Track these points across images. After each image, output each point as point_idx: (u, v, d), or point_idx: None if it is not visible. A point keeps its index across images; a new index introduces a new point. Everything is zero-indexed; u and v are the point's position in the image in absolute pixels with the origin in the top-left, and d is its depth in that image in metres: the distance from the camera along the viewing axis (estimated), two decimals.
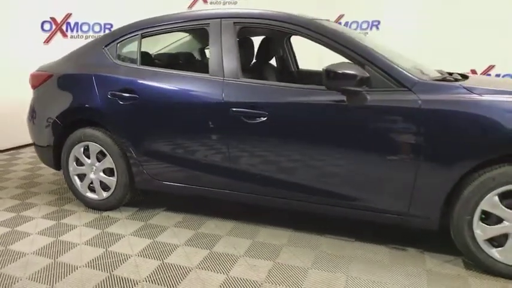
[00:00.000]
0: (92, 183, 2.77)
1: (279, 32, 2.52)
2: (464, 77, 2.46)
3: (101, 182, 2.74)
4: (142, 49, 2.95)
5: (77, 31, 5.12)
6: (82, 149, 2.73)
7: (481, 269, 1.99)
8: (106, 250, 2.25)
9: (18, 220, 2.65)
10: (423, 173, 1.95)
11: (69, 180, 2.84)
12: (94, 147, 2.68)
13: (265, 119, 2.17)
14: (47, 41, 4.87)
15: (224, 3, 6.42)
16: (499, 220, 1.90)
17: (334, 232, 2.41)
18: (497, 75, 5.21)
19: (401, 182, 2.00)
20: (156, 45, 3.99)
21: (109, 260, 2.14)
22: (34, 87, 2.91)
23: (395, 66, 2.01)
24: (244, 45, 2.63)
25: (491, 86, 2.03)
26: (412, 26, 5.71)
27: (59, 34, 4.96)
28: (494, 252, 1.94)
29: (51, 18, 4.88)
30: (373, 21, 6.11)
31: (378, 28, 6.09)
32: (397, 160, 1.99)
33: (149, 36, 2.64)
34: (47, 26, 4.87)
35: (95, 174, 2.74)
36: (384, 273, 1.99)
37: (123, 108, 2.52)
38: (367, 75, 1.95)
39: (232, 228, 2.51)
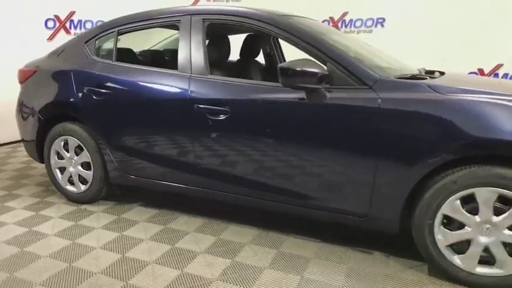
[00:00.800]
0: (71, 176, 2.83)
1: (246, 28, 2.47)
2: (443, 74, 2.36)
3: (79, 175, 2.80)
4: (128, 45, 3.01)
5: (80, 28, 5.23)
6: (62, 143, 2.80)
7: (444, 276, 1.91)
8: (73, 242, 2.30)
9: (1, 211, 2.75)
10: (382, 174, 1.88)
11: (51, 173, 2.92)
12: (72, 142, 2.74)
13: (227, 116, 2.16)
14: (51, 38, 5.00)
15: (227, 1, 6.44)
16: (461, 225, 1.81)
17: (302, 232, 2.37)
18: (506, 75, 4.99)
19: (360, 183, 1.94)
20: (149, 41, 4.05)
21: (72, 251, 2.18)
22: (21, 82, 3.01)
23: (357, 64, 1.95)
24: (217, 42, 2.61)
25: (461, 84, 1.93)
26: (418, 24, 5.54)
27: (62, 31, 5.09)
28: (456, 259, 1.85)
29: (54, 15, 5.02)
30: (377, 19, 5.98)
31: (382, 26, 5.96)
32: (356, 160, 1.92)
33: (125, 33, 2.66)
34: (50, 24, 5.01)
35: (74, 168, 2.80)
36: (339, 276, 1.93)
37: (97, 103, 2.56)
38: (325, 72, 1.90)
39: (201, 224, 2.51)
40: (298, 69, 1.87)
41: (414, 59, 5.53)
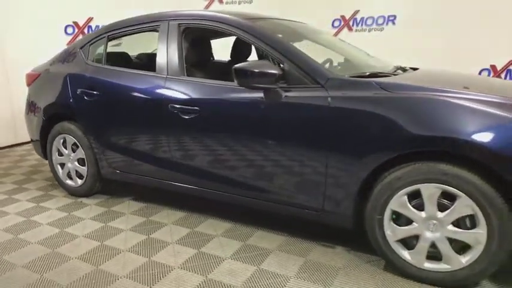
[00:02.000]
0: (70, 171, 3.08)
1: (219, 32, 2.53)
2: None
3: (76, 170, 3.04)
4: (122, 50, 3.23)
5: None
6: (61, 141, 3.05)
7: (395, 270, 1.94)
8: (62, 230, 2.52)
9: (6, 201, 3.04)
10: (333, 170, 1.94)
11: (53, 168, 3.19)
12: (69, 139, 2.99)
13: (197, 115, 2.29)
14: (70, 43, 5.37)
15: (239, 3, 6.59)
16: (409, 221, 1.84)
17: (271, 226, 2.46)
18: None
19: (315, 178, 2.00)
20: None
21: (58, 239, 2.40)
22: (28, 85, 3.30)
23: (311, 64, 2.02)
24: (197, 45, 2.75)
25: (415, 82, 1.95)
26: (429, 20, 5.42)
27: (81, 37, 5.44)
28: (406, 254, 1.87)
29: (73, 22, 5.39)
30: (389, 16, 5.90)
31: (394, 23, 5.88)
32: (310, 157, 1.99)
33: (114, 38, 2.88)
34: (70, 30, 5.39)
35: (71, 164, 3.05)
36: (293, 268, 2.01)
37: (88, 104, 2.78)
38: (279, 72, 1.98)
39: (181, 217, 2.66)
40: (251, 70, 1.97)
41: (425, 56, 5.46)
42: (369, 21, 6.07)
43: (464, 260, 1.74)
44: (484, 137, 1.60)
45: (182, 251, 2.22)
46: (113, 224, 2.60)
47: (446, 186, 1.70)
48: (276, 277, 1.95)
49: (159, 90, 2.45)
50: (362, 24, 6.14)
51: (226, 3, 6.56)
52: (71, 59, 3.02)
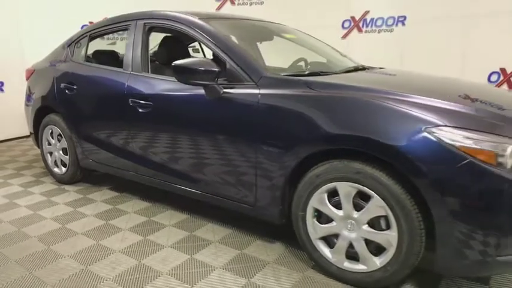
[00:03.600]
0: (56, 160, 3.33)
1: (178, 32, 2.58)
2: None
3: (61, 159, 3.28)
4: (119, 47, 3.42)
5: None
6: (50, 132, 3.30)
7: (319, 268, 1.94)
8: (34, 213, 2.74)
9: (0, 185, 3.34)
10: (261, 166, 1.97)
11: (44, 157, 3.45)
12: (55, 130, 3.23)
13: (150, 109, 2.41)
14: None
15: (251, 4, 6.68)
16: (330, 219, 1.84)
17: (222, 219, 2.53)
18: None
19: (247, 173, 2.05)
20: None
21: (27, 220, 2.62)
22: (27, 80, 3.59)
23: (248, 62, 2.07)
24: (168, 44, 2.88)
25: (354, 82, 1.94)
26: (439, 22, 5.24)
27: None
28: (328, 253, 1.88)
29: (89, 22, 5.73)
30: (399, 17, 5.75)
31: (404, 24, 5.72)
32: (243, 153, 2.03)
33: (95, 37, 3.07)
34: None
35: (57, 153, 3.29)
36: (223, 259, 2.07)
37: (68, 97, 3.00)
38: (217, 69, 2.04)
39: (146, 207, 2.79)
40: (189, 67, 2.05)
41: (434, 58, 5.28)
42: (379, 22, 5.95)
43: (379, 261, 1.72)
44: (394, 139, 1.57)
45: (131, 238, 2.35)
46: (81, 209, 2.79)
47: (360, 186, 1.69)
48: (204, 266, 2.01)
49: (122, 86, 2.59)
50: (372, 25, 6.03)
51: (238, 4, 6.68)
52: (58, 56, 3.26)
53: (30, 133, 3.66)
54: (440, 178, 1.50)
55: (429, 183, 1.51)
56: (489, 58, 4.76)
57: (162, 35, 3.00)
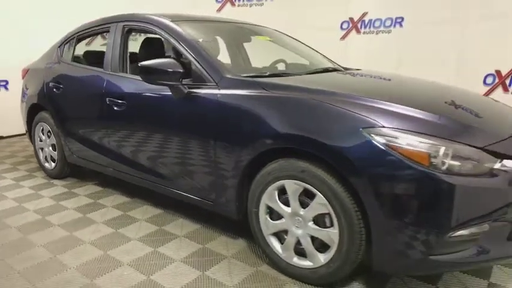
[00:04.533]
0: (46, 156, 3.48)
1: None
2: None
3: (50, 155, 3.43)
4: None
5: None
6: (41, 128, 3.46)
7: (272, 264, 2.00)
8: (19, 205, 2.88)
9: None
10: (218, 163, 2.05)
11: (36, 152, 3.61)
12: (45, 127, 3.38)
13: (124, 108, 2.52)
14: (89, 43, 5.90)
15: (251, 6, 6.76)
16: (280, 216, 1.89)
17: (196, 216, 2.61)
18: None
19: (207, 170, 2.13)
20: None
21: (11, 211, 2.76)
22: (22, 79, 3.76)
23: (211, 63, 2.15)
24: (148, 44, 2.97)
25: (309, 83, 1.99)
26: (436, 23, 5.20)
27: None
28: (279, 248, 1.93)
29: None
30: (396, 18, 5.73)
31: (401, 25, 5.71)
32: (204, 151, 2.11)
33: (82, 38, 3.21)
34: None
35: (47, 149, 3.44)
36: (184, 252, 2.16)
37: (56, 96, 3.14)
38: (181, 70, 2.12)
39: (124, 202, 2.90)
40: (154, 67, 2.13)
41: (431, 59, 5.25)
42: (377, 23, 5.94)
43: (323, 258, 1.77)
44: (333, 138, 1.62)
45: (103, 230, 2.46)
46: (63, 202, 2.92)
47: (305, 184, 1.74)
48: (164, 259, 2.10)
49: (101, 85, 2.71)
50: (370, 27, 6.02)
51: (238, 5, 6.77)
52: (50, 57, 3.41)
53: (26, 130, 3.83)
54: (374, 177, 1.54)
55: (364, 182, 1.56)
56: (484, 60, 4.70)
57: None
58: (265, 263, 2.05)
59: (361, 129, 1.58)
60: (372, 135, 1.55)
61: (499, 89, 4.61)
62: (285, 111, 1.80)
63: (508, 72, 4.50)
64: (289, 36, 3.39)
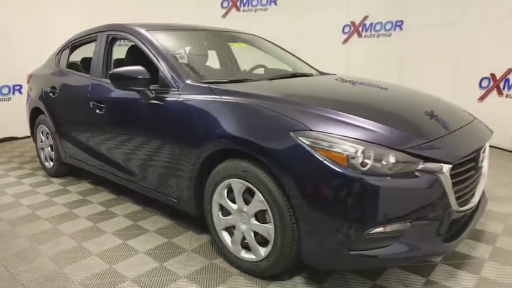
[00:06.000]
0: (46, 155, 3.76)
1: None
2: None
3: (49, 155, 3.70)
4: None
5: None
6: (42, 130, 3.75)
7: (226, 258, 2.14)
8: (16, 201, 3.16)
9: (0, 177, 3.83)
10: (180, 163, 2.21)
11: (38, 152, 3.91)
12: (44, 128, 3.66)
13: (103, 111, 2.73)
14: None
15: (256, 11, 6.91)
16: (229, 212, 2.04)
17: (172, 213, 2.79)
18: None
19: (171, 169, 2.30)
20: None
21: (6, 206, 3.03)
22: (27, 83, 4.07)
23: (175, 70, 2.33)
24: (132, 52, 3.19)
25: (257, 89, 2.13)
26: (434, 26, 5.22)
27: None
28: (229, 243, 2.07)
29: None
30: (396, 22, 5.78)
31: (401, 28, 5.74)
32: (169, 152, 2.27)
33: (76, 46, 3.47)
34: None
35: (47, 149, 3.72)
36: (150, 245, 2.34)
37: (52, 100, 3.41)
38: (148, 77, 2.30)
39: (110, 199, 3.12)
40: (123, 74, 2.32)
41: (429, 62, 5.25)
42: (378, 27, 5.97)
43: (263, 251, 1.90)
44: (266, 140, 1.76)
45: (77, 223, 2.68)
46: (55, 199, 3.17)
47: (247, 183, 1.88)
48: (129, 250, 2.29)
49: (87, 90, 2.94)
50: (371, 30, 6.06)
51: (243, 11, 6.94)
52: (49, 63, 3.70)
53: (30, 131, 4.14)
54: (300, 177, 1.67)
55: (291, 181, 1.68)
56: (480, 63, 4.66)
57: None
58: (220, 256, 2.20)
59: (291, 132, 1.70)
60: (300, 137, 1.68)
61: (494, 93, 4.56)
62: (230, 115, 1.95)
63: (502, 76, 4.44)
64: (271, 43, 3.53)
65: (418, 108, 2.15)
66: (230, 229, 2.08)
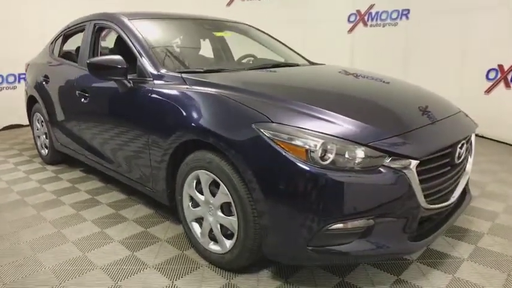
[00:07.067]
0: (41, 143, 3.83)
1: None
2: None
3: (44, 143, 3.77)
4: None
5: None
6: (37, 118, 3.81)
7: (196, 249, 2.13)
8: (8, 187, 3.23)
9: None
10: (153, 153, 2.20)
11: (34, 140, 3.98)
12: (39, 117, 3.72)
13: (88, 100, 2.74)
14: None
15: (260, 0, 6.80)
16: (198, 204, 2.02)
17: (155, 203, 2.80)
18: None
19: (145, 159, 2.29)
20: None
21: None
22: (25, 72, 4.14)
23: (151, 59, 2.30)
24: (120, 42, 3.18)
25: (224, 80, 2.08)
26: (441, 15, 5.03)
27: None
28: (199, 234, 2.06)
29: None
30: (402, 10, 5.58)
31: (407, 17, 5.55)
32: (143, 141, 2.26)
33: (68, 36, 3.49)
34: None
35: (42, 136, 3.78)
36: (125, 234, 2.35)
37: (45, 88, 3.45)
38: (125, 66, 2.29)
39: (97, 188, 3.16)
40: (101, 64, 2.31)
41: (436, 52, 5.09)
42: (384, 16, 5.80)
43: (228, 244, 1.88)
44: (229, 131, 1.73)
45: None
46: (45, 186, 3.23)
47: (212, 174, 1.85)
48: (105, 238, 2.31)
49: (73, 78, 2.97)
50: (377, 19, 5.89)
51: (248, 0, 6.84)
52: (44, 52, 3.74)
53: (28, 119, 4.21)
54: (260, 169, 1.63)
55: (251, 173, 1.64)
56: (488, 54, 4.47)
57: None
58: (192, 248, 2.20)
59: (253, 124, 1.66)
60: (261, 129, 1.63)
61: (501, 85, 4.37)
62: (197, 106, 1.92)
63: (510, 67, 4.24)
64: (264, 33, 3.46)
65: (397, 100, 2.07)
66: (200, 220, 2.07)
